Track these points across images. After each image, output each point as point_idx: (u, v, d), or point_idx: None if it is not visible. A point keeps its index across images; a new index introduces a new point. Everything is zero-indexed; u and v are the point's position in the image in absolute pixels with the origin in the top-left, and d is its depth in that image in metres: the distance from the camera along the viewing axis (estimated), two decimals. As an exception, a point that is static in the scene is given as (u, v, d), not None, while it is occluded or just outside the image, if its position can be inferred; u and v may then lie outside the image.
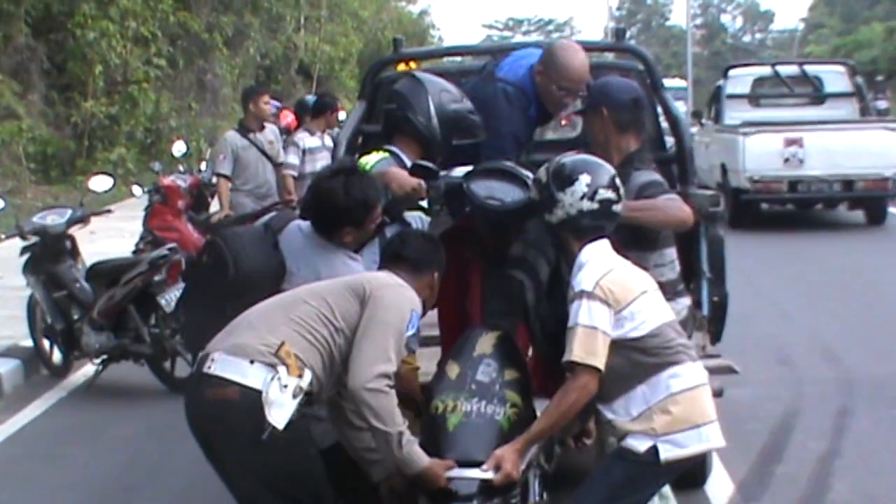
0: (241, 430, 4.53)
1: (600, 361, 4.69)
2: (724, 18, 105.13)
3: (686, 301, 5.94)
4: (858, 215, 20.00)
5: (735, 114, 19.73)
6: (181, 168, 13.38)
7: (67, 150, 23.53)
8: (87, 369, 10.12)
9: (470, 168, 5.54)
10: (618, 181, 5.02)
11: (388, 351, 4.63)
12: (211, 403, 4.58)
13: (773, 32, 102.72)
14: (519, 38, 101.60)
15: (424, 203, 5.63)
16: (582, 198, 4.91)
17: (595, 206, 4.92)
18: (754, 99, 20.70)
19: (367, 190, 5.28)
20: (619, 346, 4.74)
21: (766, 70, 21.37)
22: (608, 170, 5.05)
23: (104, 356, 9.67)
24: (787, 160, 18.33)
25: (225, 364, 4.57)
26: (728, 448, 7.17)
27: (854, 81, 20.49)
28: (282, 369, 4.55)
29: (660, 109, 7.49)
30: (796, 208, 20.46)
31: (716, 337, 6.68)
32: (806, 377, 9.58)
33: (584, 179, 4.94)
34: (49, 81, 24.27)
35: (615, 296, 4.75)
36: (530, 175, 5.33)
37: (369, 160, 5.77)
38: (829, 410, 8.62)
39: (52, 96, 24.23)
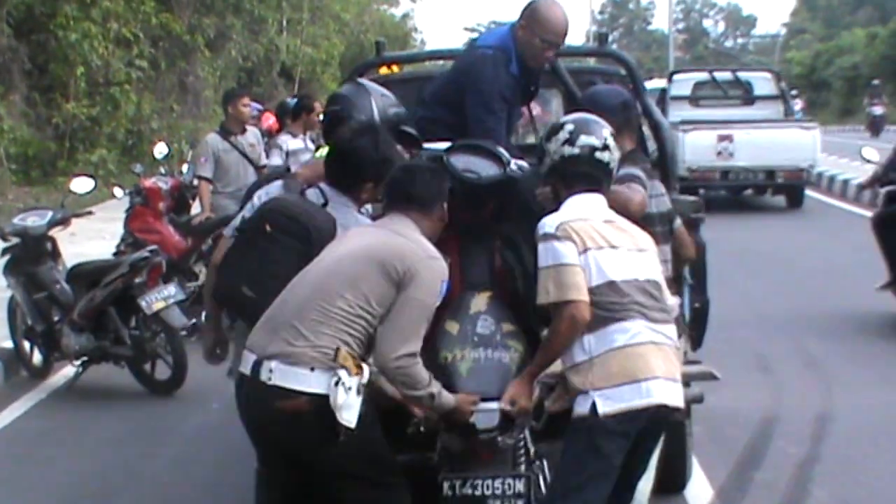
0: (317, 436, 4.73)
1: (578, 292, 4.80)
2: (707, 23, 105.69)
3: (677, 299, 5.96)
4: (781, 199, 23.29)
5: (677, 113, 21.94)
6: (162, 170, 13.35)
7: (49, 152, 23.47)
8: (67, 371, 10.10)
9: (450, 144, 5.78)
10: (611, 138, 5.13)
11: (419, 330, 4.83)
12: (282, 415, 4.72)
13: (755, 37, 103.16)
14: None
15: None
16: (563, 143, 5.10)
17: (576, 150, 5.07)
18: (694, 100, 23.65)
19: (390, 149, 5.51)
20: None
21: (704, 76, 24.48)
22: (600, 125, 5.20)
23: (84, 358, 9.66)
24: (719, 153, 21.60)
25: (286, 374, 4.71)
26: (708, 453, 7.21)
27: (780, 86, 23.92)
28: (342, 373, 4.69)
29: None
30: (728, 194, 23.47)
31: (697, 343, 6.69)
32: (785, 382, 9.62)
33: (568, 128, 5.13)
34: (30, 82, 24.21)
35: (577, 239, 4.87)
36: (509, 157, 5.63)
37: (322, 153, 6.06)
38: (808, 416, 8.65)
39: (33, 97, 24.17)
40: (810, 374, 9.99)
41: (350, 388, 4.67)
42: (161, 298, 9.34)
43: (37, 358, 10.23)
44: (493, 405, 4.98)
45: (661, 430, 5.14)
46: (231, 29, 31.70)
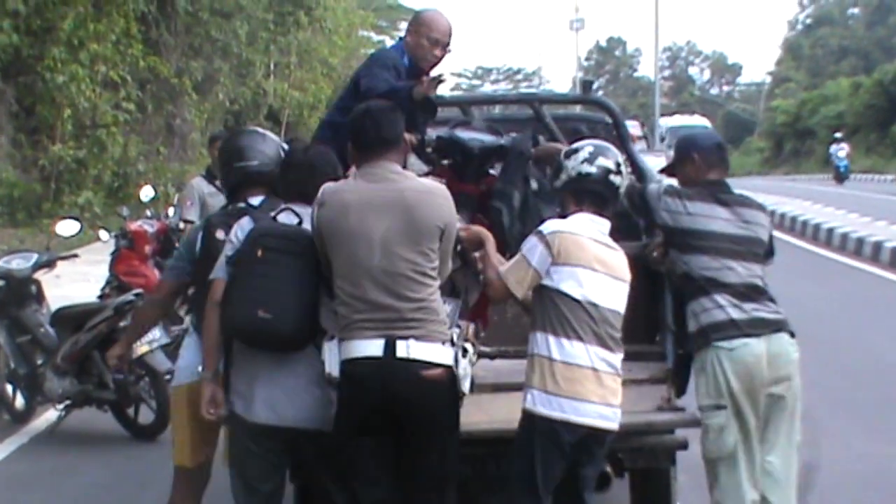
0: (447, 400, 5.43)
1: (517, 288, 5.54)
2: (692, 71, 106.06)
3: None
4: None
5: None
6: (148, 213, 13.32)
7: (34, 194, 23.43)
8: (49, 415, 10.04)
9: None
10: (622, 164, 5.77)
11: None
12: (425, 383, 5.32)
13: (741, 85, 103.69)
14: (487, 87, 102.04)
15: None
16: (583, 162, 5.69)
17: (593, 169, 5.68)
18: None
19: (331, 154, 5.97)
20: (547, 291, 5.52)
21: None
22: (614, 152, 5.83)
23: (67, 402, 9.62)
24: None
25: (423, 349, 5.33)
26: (692, 502, 7.19)
27: (644, 131, 30.05)
28: (469, 346, 5.56)
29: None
30: None
31: (681, 390, 6.68)
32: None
33: (588, 149, 5.75)
34: (17, 124, 24.20)
35: (562, 250, 5.50)
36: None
37: None
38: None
39: (19, 139, 24.15)
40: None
41: (469, 361, 5.54)
42: (145, 342, 9.30)
43: (19, 402, 10.18)
44: None
45: (598, 454, 5.66)
46: (219, 72, 31.76)
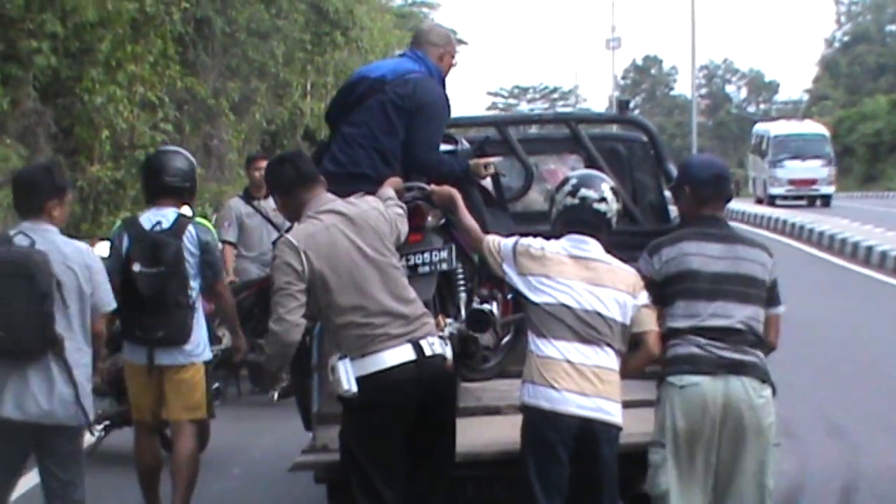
0: (453, 381, 6.34)
1: (486, 251, 6.17)
2: (729, 88, 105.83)
3: None
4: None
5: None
6: (186, 233, 13.38)
7: (73, 214, 23.51)
8: (88, 436, 10.04)
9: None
10: (609, 192, 6.08)
11: None
12: (446, 373, 6.12)
13: (778, 103, 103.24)
14: (524, 106, 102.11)
15: None
16: (567, 195, 6.09)
17: (576, 201, 6.06)
18: None
19: (59, 172, 7.33)
20: (524, 300, 6.01)
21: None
22: (601, 179, 6.20)
23: (107, 422, 9.63)
24: None
25: (437, 345, 6.05)
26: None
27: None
28: (447, 332, 6.31)
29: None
30: None
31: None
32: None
33: (572, 182, 6.15)
34: (56, 146, 24.32)
35: (526, 258, 6.00)
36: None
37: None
38: (833, 486, 8.59)
39: (58, 160, 24.25)
40: (834, 441, 9.93)
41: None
42: (184, 363, 9.32)
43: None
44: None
45: (602, 453, 5.79)
46: (256, 93, 31.86)
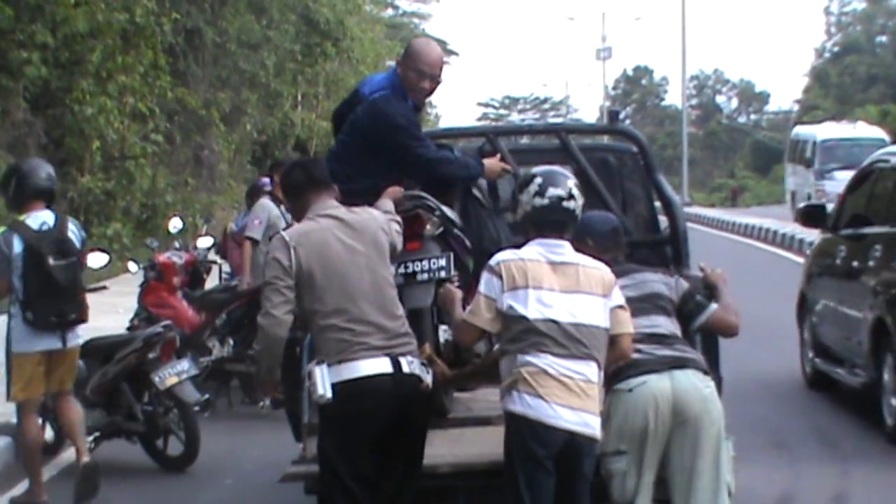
0: (426, 403, 6.28)
1: (478, 319, 5.88)
2: (720, 99, 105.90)
3: None
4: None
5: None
6: (177, 245, 13.35)
7: (63, 225, 23.49)
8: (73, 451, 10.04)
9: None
10: (575, 188, 5.97)
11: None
12: (420, 392, 6.14)
13: (768, 113, 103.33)
14: (515, 117, 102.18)
15: None
16: (534, 195, 5.92)
17: (545, 201, 5.91)
18: None
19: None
20: (506, 317, 5.81)
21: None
22: (565, 176, 6.05)
23: (96, 434, 9.62)
24: None
25: (416, 365, 6.13)
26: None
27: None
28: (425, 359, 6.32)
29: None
30: None
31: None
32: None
33: (538, 181, 5.95)
34: (46, 156, 24.24)
35: (510, 276, 5.80)
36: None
37: None
38: (824, 496, 8.58)
39: (49, 171, 24.23)
40: (826, 451, 9.93)
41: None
42: (174, 374, 9.34)
43: (49, 434, 10.17)
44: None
45: (583, 466, 5.78)
46: (246, 103, 31.88)
